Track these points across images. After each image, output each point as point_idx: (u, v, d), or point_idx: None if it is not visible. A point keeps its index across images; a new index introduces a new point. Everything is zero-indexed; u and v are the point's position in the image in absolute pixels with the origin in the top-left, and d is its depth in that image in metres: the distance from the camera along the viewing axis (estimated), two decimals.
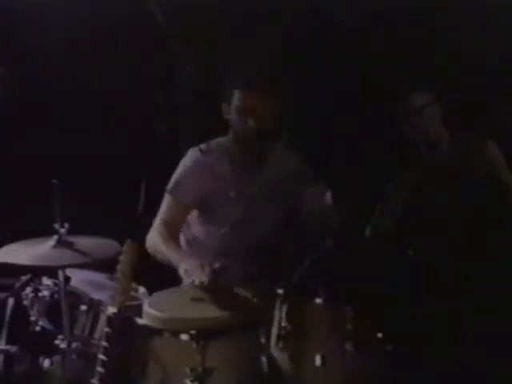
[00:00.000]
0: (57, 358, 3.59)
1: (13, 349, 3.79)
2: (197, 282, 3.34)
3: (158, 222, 3.84)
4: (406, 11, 4.58)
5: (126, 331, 3.25)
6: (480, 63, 4.57)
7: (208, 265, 3.38)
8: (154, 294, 3.47)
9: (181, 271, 3.51)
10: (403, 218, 4.09)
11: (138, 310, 3.31)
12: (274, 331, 3.34)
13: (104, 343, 3.14)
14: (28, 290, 3.76)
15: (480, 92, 4.52)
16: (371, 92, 4.54)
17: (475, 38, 4.53)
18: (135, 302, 3.40)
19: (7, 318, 3.79)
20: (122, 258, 3.23)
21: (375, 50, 4.65)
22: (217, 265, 3.38)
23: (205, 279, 3.33)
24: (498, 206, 4.08)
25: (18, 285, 3.81)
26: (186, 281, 3.45)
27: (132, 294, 3.33)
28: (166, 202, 3.85)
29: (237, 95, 3.75)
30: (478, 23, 4.52)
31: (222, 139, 3.92)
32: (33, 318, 3.73)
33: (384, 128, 4.38)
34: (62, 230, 3.53)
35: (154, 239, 3.76)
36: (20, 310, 3.78)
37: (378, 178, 4.23)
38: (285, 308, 3.35)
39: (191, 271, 3.42)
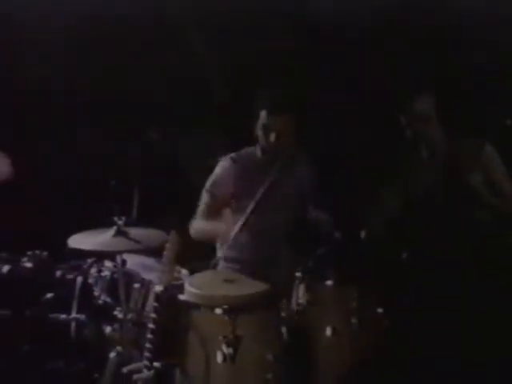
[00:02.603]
0: (116, 325, 3.78)
1: (82, 317, 3.97)
2: None
3: (199, 213, 4.07)
4: (406, 13, 4.41)
5: (171, 305, 3.44)
6: (479, 67, 4.35)
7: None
8: (194, 275, 3.68)
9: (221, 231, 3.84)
10: (399, 220, 3.93)
11: (181, 288, 3.51)
12: (293, 307, 3.59)
13: (153, 315, 3.38)
14: (93, 270, 3.99)
15: (478, 95, 4.32)
16: (370, 95, 4.40)
17: (475, 42, 4.33)
18: (178, 282, 3.56)
19: (77, 293, 3.97)
20: (167, 245, 3.44)
21: (376, 56, 4.49)
22: None
23: None
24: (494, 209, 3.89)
25: (85, 266, 4.04)
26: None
27: (176, 274, 3.54)
28: (205, 198, 4.08)
29: (263, 115, 3.98)
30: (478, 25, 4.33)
31: (250, 149, 4.13)
32: (96, 293, 3.94)
33: (382, 132, 4.27)
34: (120, 222, 3.70)
35: (197, 225, 4.03)
36: (86, 287, 3.97)
37: (374, 182, 4.09)
38: (302, 288, 3.58)
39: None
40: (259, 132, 4.00)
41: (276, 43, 4.59)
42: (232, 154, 4.15)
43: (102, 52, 4.72)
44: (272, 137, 3.94)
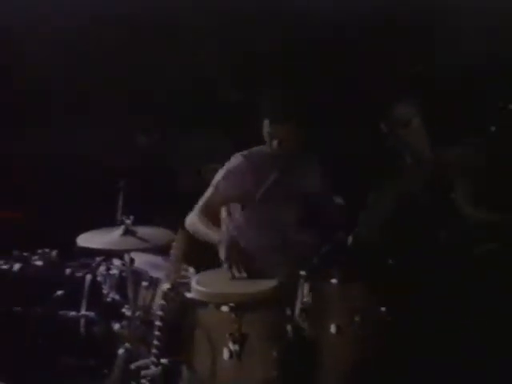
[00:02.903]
0: (124, 322, 3.80)
1: (91, 314, 4.02)
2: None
3: (198, 207, 4.05)
4: (386, 22, 4.38)
5: (178, 303, 3.48)
6: (465, 73, 4.32)
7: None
8: (201, 273, 3.68)
9: (217, 242, 3.74)
10: (385, 227, 3.91)
11: (188, 286, 3.53)
12: (298, 305, 3.59)
13: (160, 312, 3.43)
14: (101, 268, 4.03)
15: (464, 102, 4.28)
16: (355, 103, 4.37)
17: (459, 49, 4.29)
18: (185, 280, 3.56)
19: (86, 291, 4.02)
20: (174, 244, 3.52)
21: (357, 62, 4.44)
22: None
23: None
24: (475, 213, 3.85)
25: (93, 264, 4.09)
26: (220, 252, 3.68)
27: (183, 273, 3.58)
28: (209, 193, 4.08)
29: (266, 124, 4.05)
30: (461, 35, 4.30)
31: (261, 148, 4.16)
32: (105, 291, 3.98)
33: (367, 139, 4.22)
34: (128, 221, 3.75)
35: (193, 219, 3.97)
36: (95, 285, 4.02)
37: (362, 187, 4.07)
38: (306, 286, 3.59)
39: (223, 243, 3.69)
40: (265, 137, 4.06)
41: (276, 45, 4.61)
42: (243, 152, 4.18)
43: (102, 53, 4.72)
44: (274, 144, 4.01)
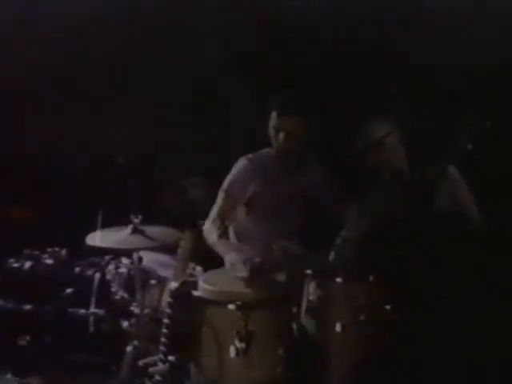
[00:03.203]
0: (133, 320, 3.82)
1: (100, 312, 4.03)
2: (239, 275, 3.58)
3: (213, 214, 4.12)
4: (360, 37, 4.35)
5: (185, 301, 3.49)
6: (438, 88, 4.26)
7: (249, 260, 3.62)
8: (208, 272, 3.71)
9: (226, 262, 3.78)
10: (364, 244, 3.82)
11: (195, 285, 3.54)
12: (304, 304, 3.61)
13: (167, 310, 3.46)
14: (110, 267, 4.03)
15: (439, 118, 4.16)
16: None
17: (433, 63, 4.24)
18: (193, 278, 3.56)
19: (95, 289, 4.04)
20: (181, 243, 3.54)
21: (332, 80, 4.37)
22: (257, 259, 3.62)
23: (245, 273, 3.56)
24: (459, 232, 3.82)
25: (102, 263, 4.10)
26: (231, 272, 3.68)
27: (190, 271, 3.57)
28: (220, 198, 4.15)
29: (273, 116, 4.06)
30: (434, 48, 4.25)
31: (266, 150, 4.20)
32: (114, 289, 3.97)
33: (345, 154, 4.11)
34: (136, 221, 3.78)
35: (210, 230, 4.05)
36: (104, 283, 4.03)
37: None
38: (312, 285, 3.61)
39: (235, 264, 3.69)
40: (271, 132, 4.08)
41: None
42: (249, 155, 4.22)
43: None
44: (281, 137, 4.02)
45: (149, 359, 3.54)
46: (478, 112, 3.65)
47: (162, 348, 3.45)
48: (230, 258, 3.77)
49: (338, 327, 3.56)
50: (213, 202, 4.13)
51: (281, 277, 3.67)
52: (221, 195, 4.16)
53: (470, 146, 3.61)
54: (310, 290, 3.62)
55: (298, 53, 4.54)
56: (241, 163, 4.19)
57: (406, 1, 4.34)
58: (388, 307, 3.60)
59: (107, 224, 3.85)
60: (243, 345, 3.41)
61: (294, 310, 3.59)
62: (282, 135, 4.02)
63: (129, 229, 3.78)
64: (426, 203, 3.78)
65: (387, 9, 4.32)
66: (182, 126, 4.67)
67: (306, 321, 3.58)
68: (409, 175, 4.00)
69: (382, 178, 4.01)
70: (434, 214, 3.78)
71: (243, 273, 3.56)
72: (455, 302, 3.72)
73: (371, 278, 3.57)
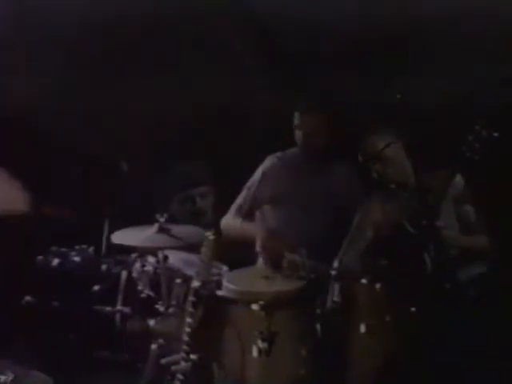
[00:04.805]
0: (158, 318, 3.75)
1: (126, 310, 4.00)
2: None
3: (233, 210, 4.11)
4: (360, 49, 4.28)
5: (209, 300, 3.46)
6: (440, 99, 4.19)
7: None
8: (233, 271, 3.72)
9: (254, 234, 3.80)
10: (367, 252, 3.76)
11: (219, 284, 3.55)
12: (328, 304, 3.52)
13: (190, 309, 3.41)
14: (137, 265, 3.95)
15: (442, 127, 4.11)
16: None
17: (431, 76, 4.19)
18: (216, 278, 3.60)
19: (121, 287, 4.01)
20: (205, 241, 3.46)
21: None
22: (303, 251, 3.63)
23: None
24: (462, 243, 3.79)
25: (129, 261, 4.05)
26: (258, 246, 3.73)
27: (214, 270, 3.59)
28: (244, 195, 4.12)
29: (296, 115, 4.03)
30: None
31: (293, 149, 4.16)
32: (140, 287, 3.91)
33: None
34: (162, 220, 3.78)
35: (229, 221, 4.06)
36: (131, 281, 3.97)
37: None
38: (337, 286, 3.53)
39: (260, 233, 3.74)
40: (295, 132, 4.03)
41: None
42: (277, 153, 4.18)
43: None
44: (300, 135, 3.98)
45: (172, 358, 3.50)
46: (485, 123, 3.54)
47: (184, 347, 3.40)
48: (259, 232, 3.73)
49: (362, 328, 3.49)
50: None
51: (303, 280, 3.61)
52: (244, 192, 4.12)
53: (476, 157, 3.51)
54: (335, 291, 3.53)
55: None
56: (269, 161, 4.15)
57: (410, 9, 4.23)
58: (413, 309, 3.52)
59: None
60: (266, 345, 3.36)
61: (318, 310, 3.52)
62: (299, 133, 3.98)
63: (154, 227, 3.76)
64: (431, 213, 3.65)
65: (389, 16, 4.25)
66: (188, 134, 4.64)
67: (330, 322, 3.50)
68: (416, 185, 3.87)
69: (387, 189, 3.89)
70: (439, 224, 3.65)
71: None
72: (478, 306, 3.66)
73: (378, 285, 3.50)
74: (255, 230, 3.84)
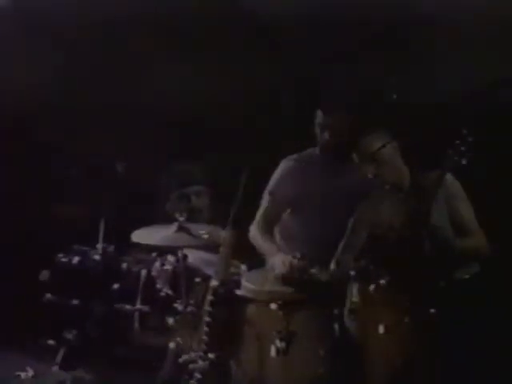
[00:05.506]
0: (177, 317, 3.78)
1: (145, 308, 3.97)
2: (277, 272, 3.59)
3: (258, 217, 4.06)
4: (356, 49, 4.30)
5: (227, 299, 3.48)
6: (430, 101, 4.15)
7: (288, 260, 3.58)
8: (251, 271, 3.72)
9: (269, 263, 3.75)
10: (363, 255, 3.68)
11: (237, 283, 3.54)
12: (347, 305, 3.51)
13: (209, 308, 3.43)
14: (156, 264, 3.98)
15: (432, 128, 4.08)
16: None
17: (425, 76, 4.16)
18: (235, 277, 3.60)
19: (141, 285, 3.97)
20: (224, 241, 3.50)
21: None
22: (297, 255, 3.57)
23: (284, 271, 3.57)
24: (458, 246, 3.68)
25: (148, 260, 4.03)
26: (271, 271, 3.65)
27: (232, 270, 3.61)
28: (266, 200, 4.06)
29: (318, 114, 3.98)
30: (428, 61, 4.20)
31: (311, 150, 4.10)
32: (159, 286, 3.93)
33: None
34: (181, 219, 3.78)
35: (254, 232, 4.00)
36: (150, 279, 3.97)
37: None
38: (355, 286, 3.50)
39: (276, 265, 3.65)
40: (316, 131, 3.98)
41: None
42: (293, 155, 4.13)
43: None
44: (326, 135, 3.93)
45: (189, 356, 3.50)
46: (471, 127, 3.52)
47: (202, 346, 3.41)
48: (272, 259, 3.70)
49: (381, 329, 3.44)
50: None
51: (324, 277, 3.59)
52: (266, 197, 4.08)
53: (464, 161, 3.48)
54: (353, 292, 3.51)
55: None
56: (285, 164, 4.10)
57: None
58: (433, 310, 3.45)
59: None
60: (284, 345, 3.36)
61: (336, 311, 3.50)
62: (326, 134, 3.92)
63: (174, 227, 3.76)
64: (423, 213, 3.57)
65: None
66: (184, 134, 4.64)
67: (348, 322, 3.48)
68: (408, 186, 3.81)
69: (382, 190, 3.82)
70: (432, 224, 3.58)
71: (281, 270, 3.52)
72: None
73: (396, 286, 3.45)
74: (278, 259, 3.72)
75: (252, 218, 4.09)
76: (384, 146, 3.73)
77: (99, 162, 4.40)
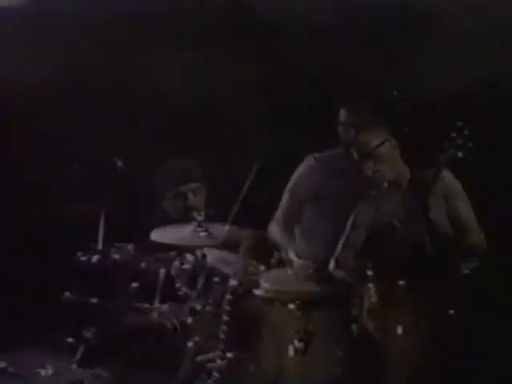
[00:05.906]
0: (195, 316, 3.72)
1: (164, 307, 3.93)
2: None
3: (278, 215, 4.07)
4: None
5: (246, 299, 3.49)
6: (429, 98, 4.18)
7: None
8: (270, 271, 3.69)
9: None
10: (362, 253, 3.68)
11: (256, 283, 3.52)
12: (365, 305, 3.50)
13: (227, 308, 3.46)
14: (175, 263, 3.93)
15: (430, 126, 4.06)
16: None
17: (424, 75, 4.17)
18: (254, 277, 3.57)
19: (160, 284, 3.94)
20: (243, 241, 3.58)
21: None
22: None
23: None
24: (457, 242, 3.73)
25: (167, 259, 3.99)
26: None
27: (251, 270, 3.61)
28: (286, 199, 4.07)
29: (341, 113, 3.98)
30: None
31: (335, 150, 4.07)
32: (178, 285, 3.90)
33: None
34: (200, 218, 3.79)
35: (275, 232, 4.02)
36: (169, 278, 3.93)
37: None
38: (374, 287, 3.50)
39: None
40: (339, 129, 3.96)
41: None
42: (315, 154, 4.12)
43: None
44: (351, 133, 3.88)
45: (207, 355, 3.51)
46: (468, 121, 3.52)
47: (220, 345, 3.41)
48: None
49: (399, 330, 3.45)
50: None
51: (342, 277, 3.58)
52: (286, 196, 4.08)
53: (460, 154, 3.47)
54: (372, 292, 3.50)
55: None
56: (307, 162, 4.10)
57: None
58: (452, 312, 3.48)
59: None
60: (302, 344, 3.35)
61: (355, 311, 3.49)
62: (352, 132, 3.87)
63: (192, 226, 3.75)
64: (422, 210, 3.57)
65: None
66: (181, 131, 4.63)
67: (366, 322, 3.47)
68: (407, 183, 3.82)
69: (381, 187, 3.80)
70: (431, 220, 3.58)
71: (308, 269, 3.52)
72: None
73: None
74: (297, 266, 3.75)
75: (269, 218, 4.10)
76: (383, 143, 3.73)
77: (99, 160, 4.38)
